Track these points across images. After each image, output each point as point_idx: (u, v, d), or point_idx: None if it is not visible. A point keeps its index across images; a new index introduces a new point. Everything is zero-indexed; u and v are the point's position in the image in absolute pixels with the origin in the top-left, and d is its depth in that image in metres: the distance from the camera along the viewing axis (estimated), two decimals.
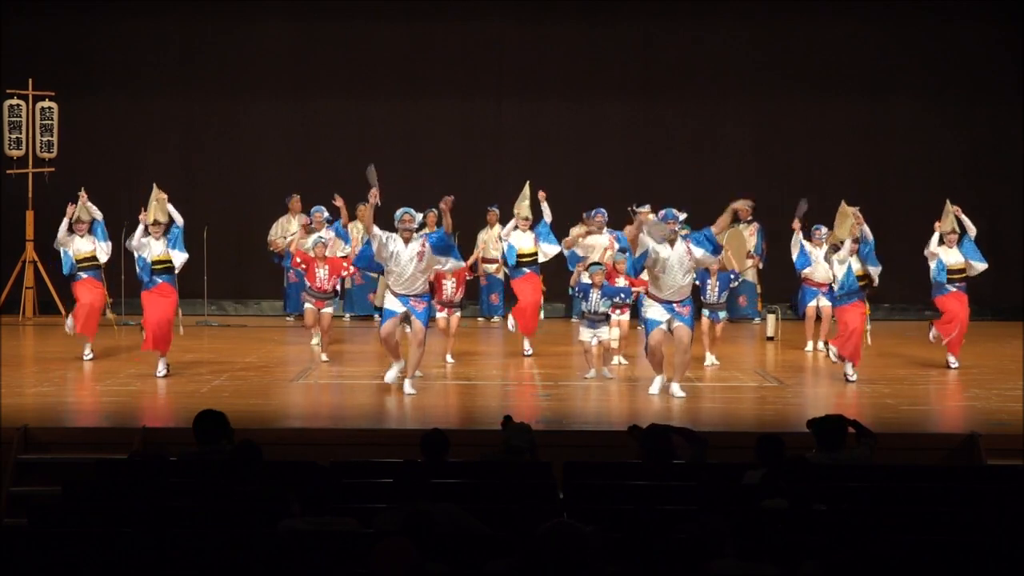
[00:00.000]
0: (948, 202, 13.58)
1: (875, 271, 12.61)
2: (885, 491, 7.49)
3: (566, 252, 14.57)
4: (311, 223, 16.20)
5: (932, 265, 13.50)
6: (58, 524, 6.87)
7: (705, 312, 13.99)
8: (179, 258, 12.85)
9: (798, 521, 6.56)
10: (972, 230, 13.52)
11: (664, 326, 11.56)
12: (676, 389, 11.60)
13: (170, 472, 7.91)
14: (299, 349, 14.69)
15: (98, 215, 13.99)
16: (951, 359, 13.48)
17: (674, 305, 11.57)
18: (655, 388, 11.67)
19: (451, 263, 11.98)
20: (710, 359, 13.71)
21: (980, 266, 13.53)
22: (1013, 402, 11.27)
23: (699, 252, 11.55)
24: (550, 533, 5.12)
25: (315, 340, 13.97)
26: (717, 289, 13.90)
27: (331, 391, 12.43)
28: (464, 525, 6.54)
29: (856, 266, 12.42)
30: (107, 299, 14.50)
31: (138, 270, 12.77)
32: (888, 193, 18.82)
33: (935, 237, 13.46)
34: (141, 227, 12.69)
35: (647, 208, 12.61)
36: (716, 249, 11.74)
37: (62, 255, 13.94)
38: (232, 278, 19.03)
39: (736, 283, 14.50)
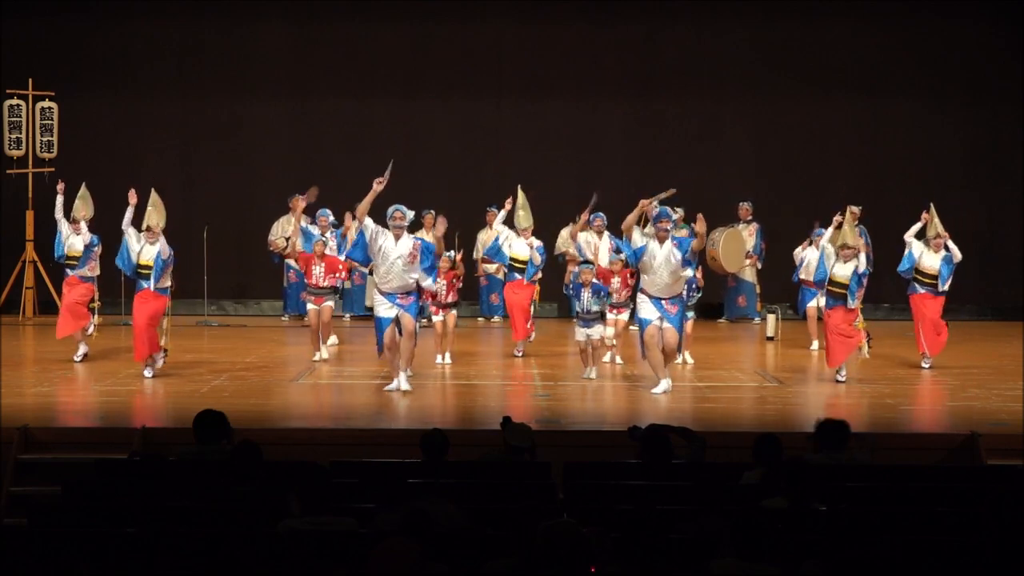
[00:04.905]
0: (932, 207, 13.48)
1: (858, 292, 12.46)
2: (885, 491, 7.48)
3: (574, 244, 14.77)
4: (315, 223, 16.03)
5: (905, 253, 13.44)
6: (58, 524, 6.87)
7: None
8: (154, 280, 12.34)
9: (798, 521, 6.56)
10: (957, 256, 13.39)
11: (657, 323, 11.79)
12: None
13: (169, 472, 7.91)
14: (299, 349, 14.68)
15: (87, 237, 13.74)
16: (924, 359, 13.41)
17: (663, 303, 11.81)
18: (659, 389, 11.67)
19: (427, 282, 11.90)
20: (681, 358, 13.70)
21: (943, 286, 13.37)
22: (1013, 402, 11.26)
23: (678, 256, 11.73)
24: (550, 533, 5.12)
25: (316, 356, 13.81)
26: (684, 291, 13.80)
27: (331, 391, 12.43)
28: (460, 525, 6.54)
29: (844, 272, 12.34)
30: (93, 294, 14.06)
31: (121, 259, 12.45)
32: (887, 193, 18.81)
33: (916, 227, 13.47)
34: (131, 210, 12.56)
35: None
36: (685, 263, 11.89)
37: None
38: (232, 278, 19.03)
39: (699, 294, 14.26)
